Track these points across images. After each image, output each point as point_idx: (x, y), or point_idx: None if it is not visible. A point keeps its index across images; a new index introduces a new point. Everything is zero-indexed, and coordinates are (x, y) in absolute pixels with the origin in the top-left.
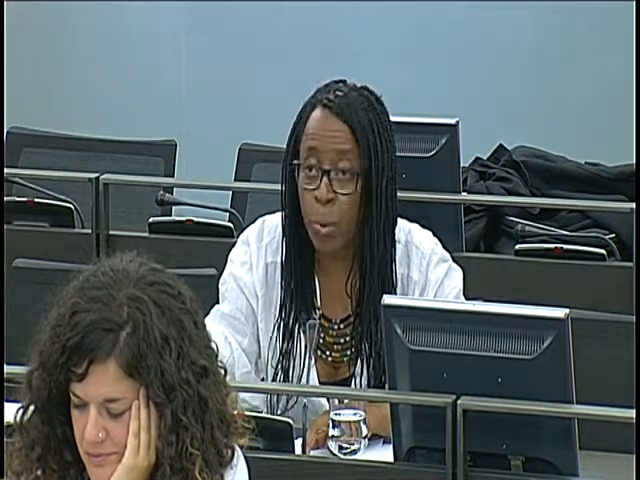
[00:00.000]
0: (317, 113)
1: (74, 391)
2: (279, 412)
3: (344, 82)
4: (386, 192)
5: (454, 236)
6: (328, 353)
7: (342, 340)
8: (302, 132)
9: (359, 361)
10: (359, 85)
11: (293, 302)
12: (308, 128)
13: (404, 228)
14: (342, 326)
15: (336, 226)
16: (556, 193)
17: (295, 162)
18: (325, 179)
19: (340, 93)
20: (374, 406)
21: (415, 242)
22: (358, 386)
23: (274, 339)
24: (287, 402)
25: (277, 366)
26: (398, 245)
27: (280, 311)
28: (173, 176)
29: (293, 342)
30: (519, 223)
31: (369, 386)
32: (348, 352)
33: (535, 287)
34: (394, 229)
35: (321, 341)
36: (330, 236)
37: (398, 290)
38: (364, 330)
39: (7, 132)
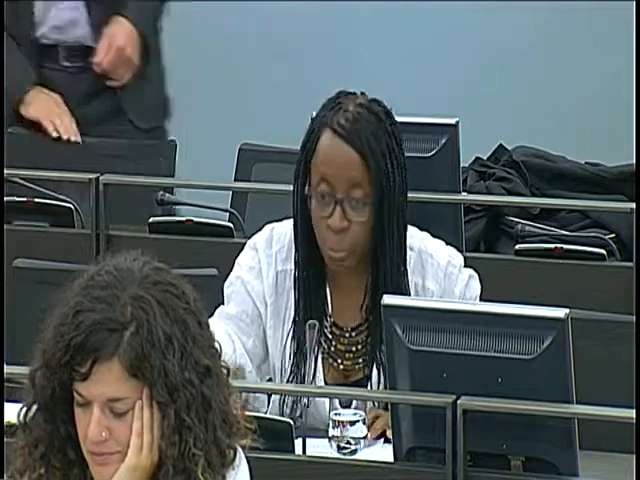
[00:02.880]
0: (327, 138)
1: (77, 390)
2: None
3: (352, 95)
4: (398, 210)
5: (454, 236)
6: (340, 361)
7: (354, 348)
8: (312, 154)
9: (375, 367)
10: (368, 98)
11: (305, 311)
12: (318, 153)
13: (417, 235)
14: (354, 334)
15: (350, 251)
16: (556, 193)
17: (307, 191)
18: (338, 208)
19: (350, 116)
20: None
21: (430, 251)
22: (375, 388)
23: (285, 346)
24: (293, 405)
25: (290, 373)
26: (411, 252)
27: (292, 320)
28: (173, 176)
29: (305, 350)
30: (519, 223)
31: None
32: (360, 360)
33: (535, 287)
34: (405, 238)
35: (332, 349)
36: (344, 260)
37: None
38: (377, 337)
39: (7, 133)
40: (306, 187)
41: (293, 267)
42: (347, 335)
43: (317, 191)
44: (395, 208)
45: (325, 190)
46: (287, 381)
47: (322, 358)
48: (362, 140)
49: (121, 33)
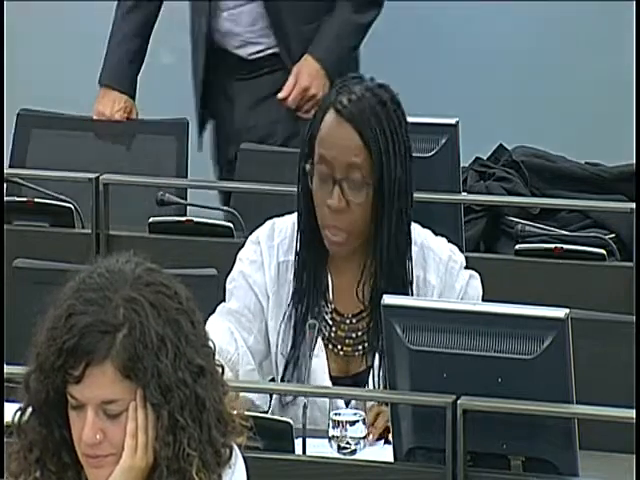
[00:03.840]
0: (330, 118)
1: (71, 393)
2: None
3: (360, 78)
4: (399, 195)
5: (454, 236)
6: (340, 347)
7: (354, 335)
8: (316, 132)
9: (377, 356)
10: (376, 82)
11: (305, 297)
12: (321, 133)
13: (420, 232)
14: (354, 321)
15: (348, 232)
16: (556, 193)
17: (307, 165)
18: (337, 188)
19: (354, 97)
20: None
21: (432, 246)
22: (376, 380)
23: (284, 334)
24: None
25: (288, 362)
26: (414, 247)
27: (292, 306)
28: (187, 156)
29: (304, 336)
30: (519, 223)
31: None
32: (360, 347)
33: (535, 287)
34: (409, 227)
35: (333, 335)
36: (342, 243)
37: (414, 291)
38: (378, 324)
39: (17, 114)
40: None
41: (296, 254)
42: (347, 322)
43: (317, 170)
44: (395, 192)
45: (324, 170)
46: (285, 370)
47: (323, 344)
48: (363, 120)
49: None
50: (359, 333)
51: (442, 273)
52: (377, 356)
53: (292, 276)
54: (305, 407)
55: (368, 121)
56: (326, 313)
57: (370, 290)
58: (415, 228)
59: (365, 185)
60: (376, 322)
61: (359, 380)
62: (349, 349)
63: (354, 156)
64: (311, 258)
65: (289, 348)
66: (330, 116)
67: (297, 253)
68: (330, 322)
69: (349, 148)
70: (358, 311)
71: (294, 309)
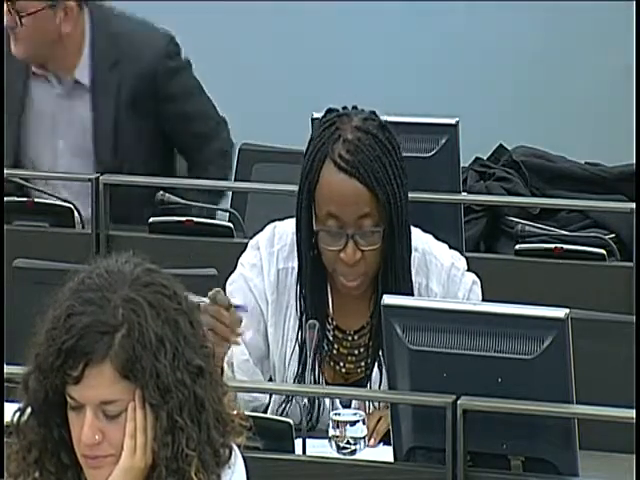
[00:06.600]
0: (331, 172)
1: (70, 393)
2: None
3: (346, 116)
4: (406, 224)
5: (454, 236)
6: (342, 364)
7: (356, 351)
8: (315, 183)
9: (376, 365)
10: (362, 116)
11: (307, 315)
12: (323, 189)
13: (421, 237)
14: (356, 337)
15: (364, 276)
16: (556, 193)
17: (315, 227)
18: (351, 242)
19: (351, 147)
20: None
21: (434, 252)
22: (375, 386)
23: (286, 346)
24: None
25: (295, 376)
26: (415, 253)
27: (298, 325)
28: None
29: (306, 353)
30: (519, 223)
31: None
32: (362, 363)
33: (535, 287)
34: (410, 249)
35: (335, 352)
36: (358, 286)
37: None
38: (380, 340)
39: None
40: (312, 214)
41: (295, 265)
42: (349, 338)
43: (326, 225)
44: (403, 225)
45: (334, 225)
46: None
47: (324, 362)
48: (368, 172)
49: None
50: (361, 349)
51: (444, 280)
52: (376, 368)
53: (292, 283)
54: (305, 406)
55: (372, 171)
56: (328, 331)
57: (373, 305)
58: (416, 234)
59: (377, 230)
60: (378, 337)
61: (357, 386)
62: (351, 366)
63: (364, 208)
64: (311, 275)
65: (296, 369)
66: (330, 170)
67: (299, 274)
68: (332, 339)
69: (358, 200)
70: (359, 327)
71: (298, 329)
